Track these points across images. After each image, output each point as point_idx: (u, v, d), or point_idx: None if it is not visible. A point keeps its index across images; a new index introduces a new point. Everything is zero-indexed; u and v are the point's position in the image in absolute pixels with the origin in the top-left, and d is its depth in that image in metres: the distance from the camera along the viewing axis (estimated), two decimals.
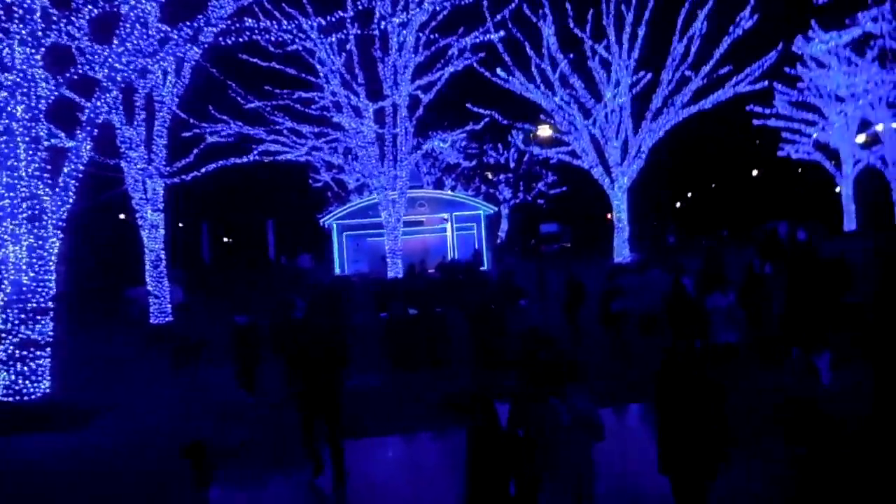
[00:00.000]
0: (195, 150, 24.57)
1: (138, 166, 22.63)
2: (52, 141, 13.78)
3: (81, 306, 28.47)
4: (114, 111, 22.04)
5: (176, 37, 14.17)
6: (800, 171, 62.36)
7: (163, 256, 23.32)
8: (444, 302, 16.18)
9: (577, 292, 17.42)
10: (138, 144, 22.65)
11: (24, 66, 11.48)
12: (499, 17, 29.15)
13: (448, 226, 40.99)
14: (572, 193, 61.52)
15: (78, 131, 12.66)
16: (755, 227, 38.52)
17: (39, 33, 11.57)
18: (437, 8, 27.95)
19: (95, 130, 12.93)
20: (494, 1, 28.76)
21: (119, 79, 12.89)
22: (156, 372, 16.13)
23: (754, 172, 65.24)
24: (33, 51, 11.47)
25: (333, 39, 27.41)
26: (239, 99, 29.59)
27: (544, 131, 28.59)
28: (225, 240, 66.62)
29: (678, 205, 70.95)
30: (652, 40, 31.09)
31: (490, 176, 62.24)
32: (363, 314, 21.21)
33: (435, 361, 14.38)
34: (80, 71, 12.87)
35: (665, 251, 33.53)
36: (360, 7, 22.54)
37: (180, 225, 55.32)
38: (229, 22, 14.50)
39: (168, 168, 23.65)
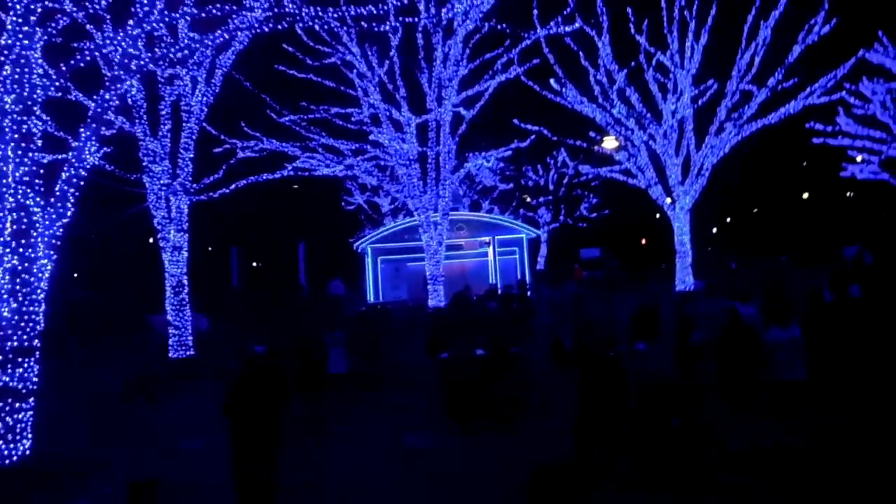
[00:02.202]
0: (224, 166, 22.41)
1: (162, 181, 20.48)
2: (48, 157, 11.48)
3: (101, 333, 26.38)
4: (137, 121, 20.08)
5: (205, 40, 11.98)
6: (849, 194, 59.42)
7: (185, 282, 21.06)
8: (514, 338, 13.66)
9: (651, 323, 14.90)
10: (163, 158, 20.53)
11: (13, 42, 9.23)
12: (552, 24, 26.98)
13: (490, 250, 38.77)
14: (612, 217, 59.15)
15: (82, 129, 10.36)
16: (824, 249, 35.64)
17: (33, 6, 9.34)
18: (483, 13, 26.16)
19: (103, 128, 10.65)
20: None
21: (133, 67, 10.62)
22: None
23: (805, 195, 62.13)
24: (22, 21, 9.18)
25: (376, 40, 25.57)
26: (272, 115, 27.66)
27: (609, 143, 26.14)
28: (254, 264, 64.65)
29: (713, 230, 68.00)
30: (716, 49, 28.58)
31: (528, 199, 59.93)
32: (410, 353, 18.73)
33: (509, 418, 11.81)
34: (88, 58, 10.65)
35: (728, 277, 30.86)
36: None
37: (209, 249, 53.65)
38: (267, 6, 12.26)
39: (194, 185, 21.49)
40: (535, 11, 26.54)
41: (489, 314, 16.28)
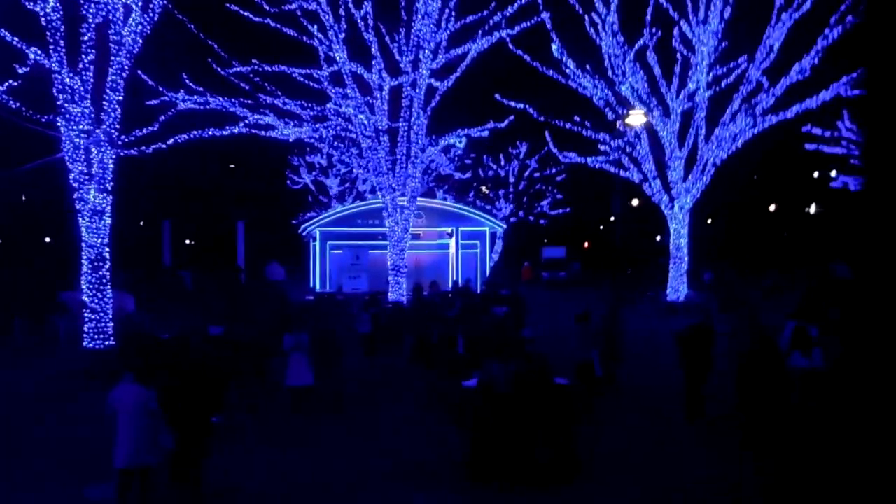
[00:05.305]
0: (161, 117, 18.16)
1: (81, 127, 16.16)
2: None
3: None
4: (52, 48, 15.71)
5: None
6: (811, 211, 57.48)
7: (107, 255, 16.75)
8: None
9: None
10: (83, 97, 16.20)
11: None
12: None
13: (452, 242, 35.10)
14: (574, 216, 56.32)
15: None
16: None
17: None
18: None
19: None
20: None
21: None
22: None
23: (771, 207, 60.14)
24: None
25: None
26: (220, 68, 23.51)
27: (636, 118, 22.49)
28: (188, 242, 59.63)
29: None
30: (737, 28, 25.15)
31: (486, 190, 56.60)
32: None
33: (560, 471, 8.07)
34: None
35: (704, 289, 27.63)
36: None
37: (140, 223, 48.86)
38: None
39: (123, 136, 17.19)
40: None
41: (498, 323, 12.43)
